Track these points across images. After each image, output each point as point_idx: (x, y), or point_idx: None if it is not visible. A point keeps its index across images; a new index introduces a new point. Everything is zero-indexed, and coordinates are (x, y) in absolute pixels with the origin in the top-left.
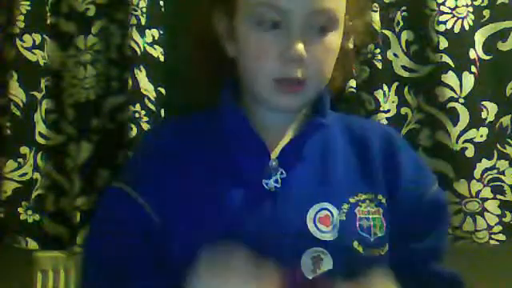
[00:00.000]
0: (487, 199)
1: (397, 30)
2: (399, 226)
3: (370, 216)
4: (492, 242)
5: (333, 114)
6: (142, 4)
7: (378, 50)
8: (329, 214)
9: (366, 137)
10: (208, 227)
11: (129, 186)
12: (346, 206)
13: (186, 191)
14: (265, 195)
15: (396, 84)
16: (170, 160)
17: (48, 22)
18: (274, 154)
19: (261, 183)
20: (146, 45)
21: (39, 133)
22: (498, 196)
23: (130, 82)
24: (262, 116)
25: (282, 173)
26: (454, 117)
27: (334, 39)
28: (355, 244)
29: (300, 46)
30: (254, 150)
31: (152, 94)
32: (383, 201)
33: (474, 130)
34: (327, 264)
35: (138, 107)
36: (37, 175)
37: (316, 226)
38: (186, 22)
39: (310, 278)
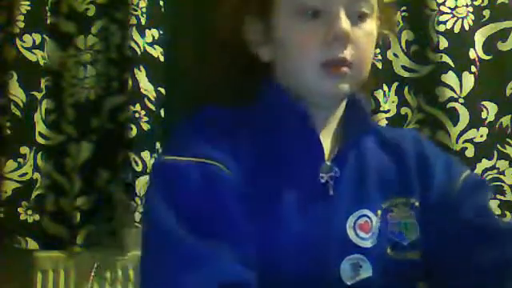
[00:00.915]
0: None
1: (397, 30)
2: (439, 215)
3: (403, 220)
4: None
5: None
6: (142, 4)
7: (377, 50)
8: (368, 220)
9: (397, 142)
10: (262, 227)
11: (218, 162)
12: (379, 212)
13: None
14: (316, 197)
15: (396, 84)
16: (233, 148)
17: (48, 22)
18: (327, 155)
19: (314, 183)
20: (145, 45)
21: (39, 133)
22: (498, 196)
23: (130, 82)
24: None
25: (335, 172)
26: (454, 117)
27: (372, 26)
28: (389, 249)
29: (344, 24)
30: (312, 150)
31: (152, 94)
32: (416, 204)
33: (474, 130)
34: (366, 271)
35: (138, 107)
36: (37, 175)
37: (356, 232)
38: (186, 22)
39: (349, 284)
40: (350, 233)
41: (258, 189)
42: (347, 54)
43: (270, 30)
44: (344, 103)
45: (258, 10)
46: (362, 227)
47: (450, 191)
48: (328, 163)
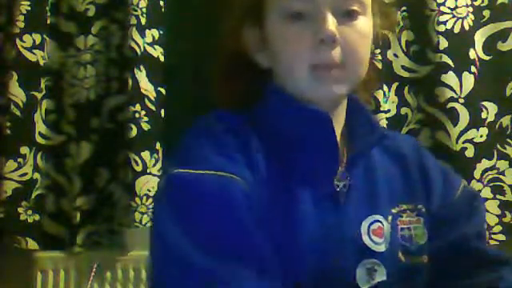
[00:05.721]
0: (487, 199)
1: (397, 30)
2: (438, 225)
3: (412, 225)
4: (492, 242)
5: None
6: (142, 4)
7: (378, 50)
8: (381, 225)
9: (400, 148)
10: (279, 233)
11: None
12: (389, 218)
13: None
14: (330, 202)
15: (396, 84)
16: (248, 154)
17: (48, 21)
18: (342, 161)
19: (328, 189)
20: (145, 45)
21: (39, 133)
22: (498, 196)
23: (130, 81)
24: None
25: (349, 179)
26: (454, 117)
27: (365, 23)
28: (400, 254)
29: (331, 26)
30: (328, 155)
31: (152, 94)
32: (423, 210)
33: (474, 130)
34: (381, 275)
35: (138, 107)
36: (37, 175)
37: (370, 237)
38: (186, 22)
39: None
40: (365, 238)
41: (274, 196)
42: (336, 56)
43: (265, 37)
44: (344, 107)
45: (254, 19)
46: (376, 232)
47: (448, 205)
48: (342, 169)
